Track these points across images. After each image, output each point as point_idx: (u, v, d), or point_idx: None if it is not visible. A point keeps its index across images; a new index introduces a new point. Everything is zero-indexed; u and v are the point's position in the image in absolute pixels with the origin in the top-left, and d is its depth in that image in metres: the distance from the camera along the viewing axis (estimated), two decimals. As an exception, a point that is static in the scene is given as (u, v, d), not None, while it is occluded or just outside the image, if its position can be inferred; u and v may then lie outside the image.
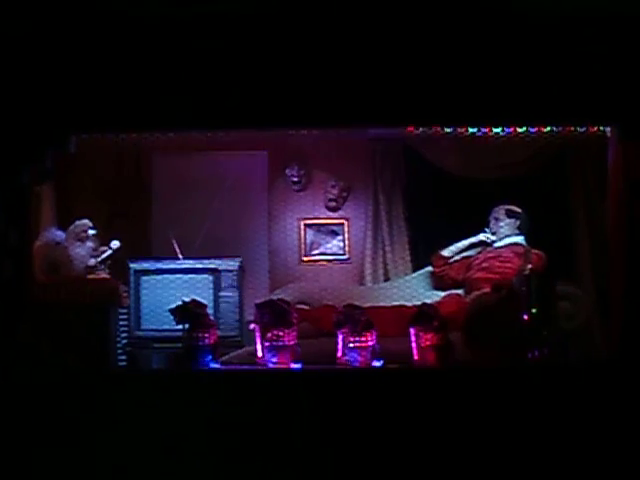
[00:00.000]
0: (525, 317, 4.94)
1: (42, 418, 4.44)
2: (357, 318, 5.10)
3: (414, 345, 5.03)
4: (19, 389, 4.52)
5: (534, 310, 4.93)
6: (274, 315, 5.12)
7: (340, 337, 5.13)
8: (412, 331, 5.06)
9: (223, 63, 4.95)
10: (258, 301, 5.49)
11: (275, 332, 5.05)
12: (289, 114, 5.01)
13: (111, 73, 4.94)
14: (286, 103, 4.97)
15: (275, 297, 5.79)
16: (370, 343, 5.03)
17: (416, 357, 5.01)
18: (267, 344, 5.06)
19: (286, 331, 5.07)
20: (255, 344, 5.18)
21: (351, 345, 5.03)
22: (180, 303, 5.21)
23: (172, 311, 5.17)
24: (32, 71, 4.93)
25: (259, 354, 5.13)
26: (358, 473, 4.39)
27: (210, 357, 5.07)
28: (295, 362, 5.02)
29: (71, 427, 4.45)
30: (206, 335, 5.10)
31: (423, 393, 4.49)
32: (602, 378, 4.56)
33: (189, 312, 5.13)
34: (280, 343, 5.02)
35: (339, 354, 5.11)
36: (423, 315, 5.10)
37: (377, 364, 5.00)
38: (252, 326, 5.21)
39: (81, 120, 5.02)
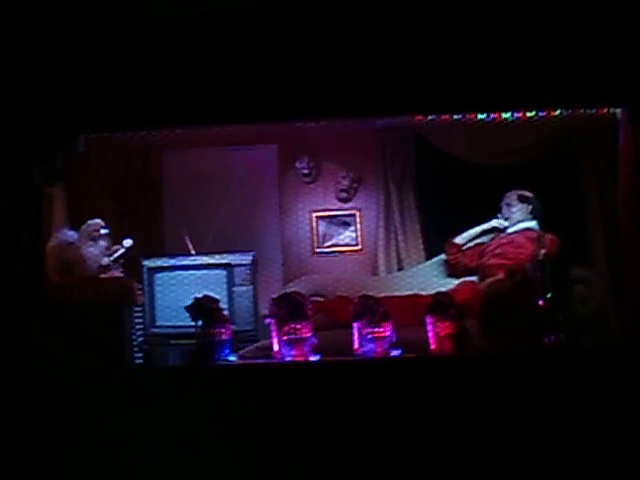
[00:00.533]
0: (540, 302, 4.92)
1: (59, 418, 4.45)
2: (374, 308, 5.09)
3: (431, 334, 5.02)
4: (33, 389, 4.53)
5: (549, 295, 4.91)
6: (290, 308, 5.12)
7: (356, 328, 5.11)
8: (429, 320, 5.05)
9: (229, 58, 4.94)
10: (274, 295, 5.48)
11: (292, 325, 5.04)
12: (297, 106, 5.00)
13: (118, 72, 4.95)
14: (293, 95, 4.96)
15: (289, 290, 5.80)
16: (387, 333, 5.03)
17: (433, 346, 5.00)
18: (285, 338, 5.06)
19: (303, 323, 5.07)
20: (271, 338, 5.17)
21: (369, 336, 5.02)
22: (194, 300, 5.21)
23: (187, 308, 5.18)
24: (39, 71, 4.94)
25: (275, 348, 5.13)
26: (379, 463, 4.38)
27: (227, 351, 5.08)
28: (313, 354, 5.04)
29: (89, 426, 4.47)
30: (222, 330, 5.11)
31: (441, 381, 4.50)
32: (618, 361, 4.56)
33: (204, 308, 5.14)
34: (297, 336, 5.03)
35: (356, 345, 5.10)
36: (439, 304, 5.09)
37: (395, 354, 4.99)
38: (268, 320, 5.20)
39: (90, 119, 5.02)
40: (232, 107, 4.99)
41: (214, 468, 4.40)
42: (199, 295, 5.27)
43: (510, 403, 4.43)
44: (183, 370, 5.21)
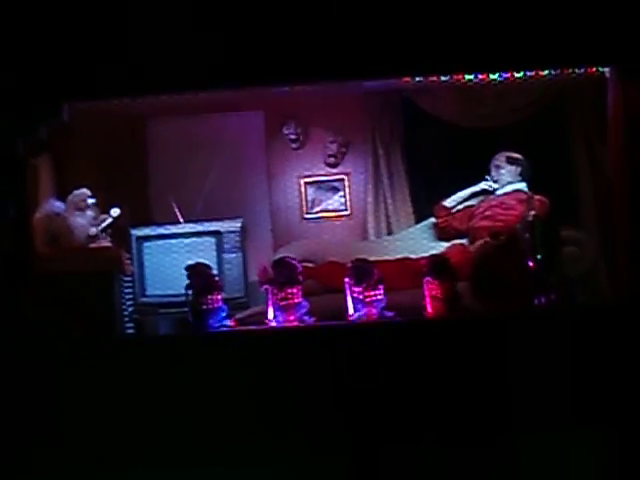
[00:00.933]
0: (530, 264, 4.92)
1: (50, 389, 4.44)
2: (369, 272, 5.07)
3: (428, 297, 4.99)
4: (24, 361, 4.51)
5: (539, 256, 4.90)
6: (287, 273, 5.10)
7: (353, 292, 5.07)
8: (427, 283, 5.02)
9: (212, 21, 4.87)
10: (267, 261, 5.47)
11: (289, 290, 5.02)
12: (282, 70, 4.93)
13: (100, 38, 4.87)
14: (278, 58, 4.90)
15: (281, 255, 5.78)
16: (382, 297, 5.02)
17: (430, 309, 4.98)
18: (282, 303, 5.04)
19: (297, 288, 5.07)
20: (267, 304, 5.12)
21: (367, 299, 5.01)
22: (189, 266, 5.17)
23: (188, 268, 5.14)
24: (19, 40, 4.86)
25: (270, 315, 5.09)
26: (374, 424, 4.40)
27: (221, 318, 5.07)
28: (309, 317, 5.04)
29: (81, 396, 4.45)
30: (217, 297, 5.10)
31: (436, 344, 4.49)
32: (610, 322, 4.56)
33: (200, 274, 5.11)
34: (292, 301, 5.02)
35: (351, 310, 5.07)
36: (438, 266, 5.06)
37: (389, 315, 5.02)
38: (265, 287, 5.16)
39: (73, 88, 4.94)
40: (217, 72, 4.93)
41: (209, 436, 4.40)
42: (191, 262, 5.24)
43: (501, 364, 4.43)
44: (177, 338, 5.18)
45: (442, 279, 4.99)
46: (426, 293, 5.00)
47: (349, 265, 5.15)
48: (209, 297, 5.07)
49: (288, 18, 4.87)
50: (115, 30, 4.88)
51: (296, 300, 5.05)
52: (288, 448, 4.39)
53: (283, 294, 5.06)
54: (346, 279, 5.09)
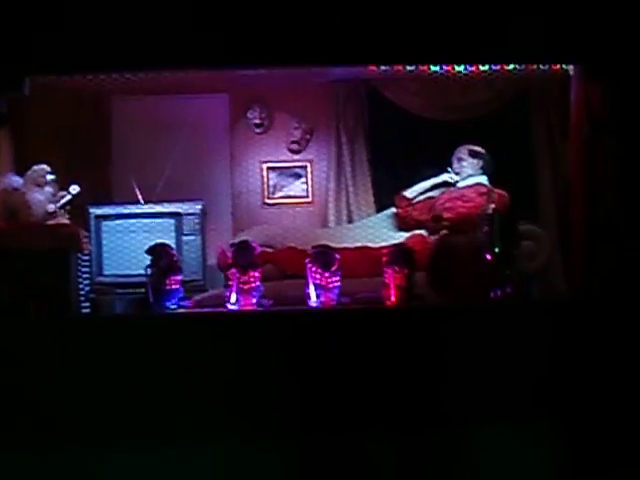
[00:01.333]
0: (488, 257, 4.95)
1: (2, 368, 4.38)
2: (334, 258, 5.06)
3: (392, 285, 4.98)
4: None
5: (497, 250, 4.94)
6: (250, 256, 5.08)
7: (313, 278, 5.07)
8: (389, 271, 5.01)
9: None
10: (227, 243, 5.44)
11: (251, 274, 5.00)
12: (248, 52, 4.90)
13: (63, 11, 4.80)
14: (244, 41, 4.86)
15: (239, 239, 5.76)
16: (339, 283, 5.02)
17: (394, 298, 4.96)
18: (245, 287, 5.00)
19: (258, 271, 5.05)
20: (232, 288, 5.02)
21: (330, 286, 5.00)
22: (152, 246, 5.13)
23: (151, 248, 5.10)
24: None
25: (233, 299, 5.03)
26: (327, 410, 4.41)
27: (177, 300, 5.05)
28: (265, 300, 5.05)
29: (36, 376, 4.40)
30: (178, 278, 5.08)
31: (392, 332, 4.50)
32: (564, 316, 4.60)
33: (161, 255, 5.08)
34: (255, 284, 4.99)
35: (314, 296, 5.03)
36: (402, 255, 5.06)
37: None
38: (233, 270, 5.09)
39: (34, 61, 4.86)
40: (182, 51, 4.87)
41: (161, 417, 4.38)
42: (154, 242, 5.21)
43: (454, 355, 4.46)
44: (133, 318, 5.14)
45: (404, 268, 5.00)
46: (390, 282, 4.98)
47: (313, 251, 5.12)
48: (170, 278, 5.04)
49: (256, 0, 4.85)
50: (79, 5, 4.81)
51: (257, 283, 5.03)
52: (239, 430, 4.39)
53: (246, 277, 5.03)
54: (309, 265, 5.06)
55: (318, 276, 5.03)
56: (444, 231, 5.84)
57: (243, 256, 5.11)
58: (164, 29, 4.85)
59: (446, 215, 6.09)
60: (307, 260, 5.06)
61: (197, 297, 5.57)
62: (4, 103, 5.02)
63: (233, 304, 4.98)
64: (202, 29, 4.84)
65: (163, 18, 4.85)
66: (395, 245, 5.39)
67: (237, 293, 5.02)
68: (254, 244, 5.21)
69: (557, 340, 4.50)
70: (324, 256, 5.08)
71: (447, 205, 6.22)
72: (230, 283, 4.99)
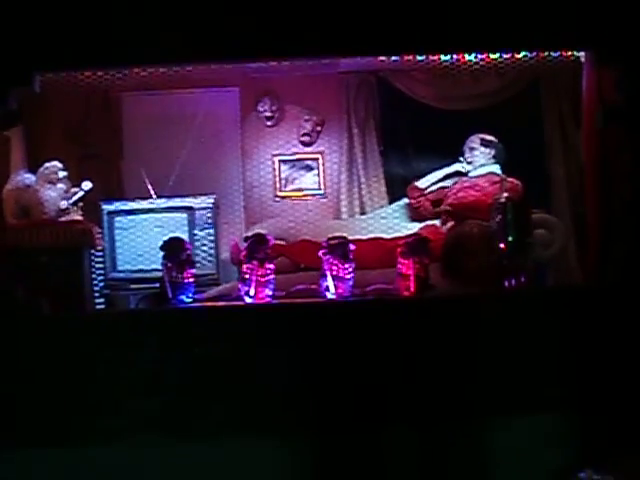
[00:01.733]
0: (502, 246, 4.94)
1: (18, 364, 4.39)
2: (350, 249, 5.04)
3: (412, 275, 4.96)
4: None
5: (510, 238, 4.92)
6: (266, 249, 5.06)
7: (330, 269, 5.02)
8: (410, 262, 4.99)
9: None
10: (246, 235, 5.43)
11: (267, 266, 4.98)
12: (258, 46, 4.89)
13: (73, 8, 4.80)
14: (255, 34, 4.85)
15: (253, 232, 5.75)
16: (352, 274, 5.00)
17: (413, 288, 4.93)
18: (262, 280, 4.97)
19: (274, 263, 5.03)
20: (250, 282, 4.96)
21: (347, 277, 4.98)
22: (167, 240, 5.12)
23: (167, 242, 5.09)
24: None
25: (252, 292, 4.97)
26: (344, 402, 4.40)
27: (191, 293, 5.03)
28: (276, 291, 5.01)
29: (51, 371, 4.41)
30: (192, 272, 5.05)
31: (407, 322, 4.49)
32: (579, 305, 4.57)
33: (176, 249, 5.07)
34: (270, 277, 4.96)
35: (332, 287, 4.99)
36: (420, 245, 5.04)
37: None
38: (250, 264, 5.05)
39: (45, 58, 4.87)
40: (192, 46, 4.87)
41: (175, 411, 4.38)
42: (170, 236, 5.19)
43: (469, 346, 4.45)
44: (149, 313, 5.14)
45: (425, 258, 4.98)
46: (409, 272, 4.93)
47: (330, 242, 5.07)
48: (185, 272, 5.03)
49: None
50: (89, 1, 4.81)
51: (272, 276, 5.01)
52: (255, 425, 4.39)
53: (263, 270, 5.01)
54: (326, 256, 5.01)
55: (335, 267, 5.01)
56: (450, 222, 5.84)
57: (259, 249, 5.09)
58: (173, 23, 4.85)
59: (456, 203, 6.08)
60: (322, 252, 5.04)
61: (211, 291, 5.56)
62: (14, 100, 5.02)
63: (252, 297, 4.97)
64: (211, 23, 4.83)
65: (172, 12, 4.84)
66: (410, 235, 5.37)
67: (250, 285, 5.01)
68: (269, 237, 5.20)
69: (572, 329, 4.48)
70: (342, 247, 5.06)
71: (459, 195, 6.21)
72: (247, 277, 4.96)
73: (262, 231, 5.66)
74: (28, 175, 5.81)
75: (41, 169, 5.85)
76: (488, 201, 5.53)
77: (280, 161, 7.01)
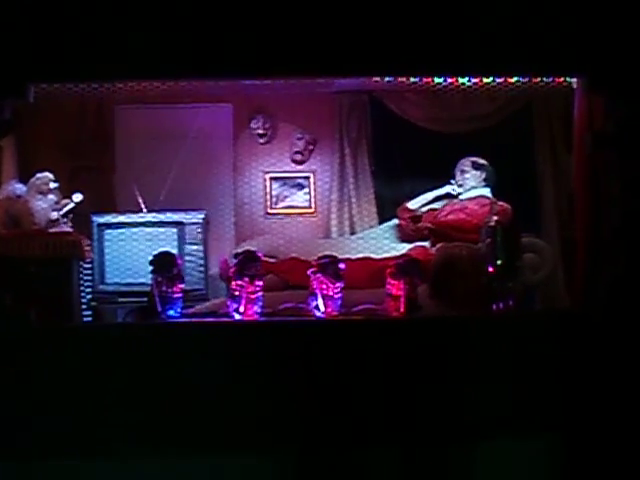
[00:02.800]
0: (490, 269, 4.95)
1: (4, 374, 4.37)
2: (341, 268, 5.04)
3: (403, 296, 4.97)
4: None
5: (499, 262, 4.94)
6: (257, 266, 5.05)
7: (320, 288, 5.02)
8: (400, 283, 4.99)
9: (182, 9, 4.83)
10: (237, 251, 5.42)
11: (257, 283, 4.98)
12: (252, 63, 4.91)
13: (68, 19, 4.80)
14: (249, 52, 4.87)
15: (242, 249, 5.75)
16: (341, 294, 5.00)
17: (402, 309, 4.93)
18: (252, 296, 4.95)
19: (263, 280, 5.02)
20: (241, 299, 4.94)
21: (336, 296, 4.98)
22: (157, 254, 5.11)
23: (157, 256, 5.08)
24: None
25: (242, 309, 4.96)
26: (329, 421, 4.40)
27: (179, 308, 5.02)
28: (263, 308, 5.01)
29: (35, 383, 4.39)
30: (181, 286, 5.04)
31: (395, 343, 4.50)
32: (566, 329, 4.59)
33: (166, 263, 5.06)
34: (259, 294, 4.95)
35: (323, 307, 4.98)
36: (411, 267, 5.05)
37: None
38: (239, 282, 5.04)
39: (38, 69, 4.87)
40: (186, 62, 4.89)
41: (161, 427, 4.37)
42: (155, 252, 5.16)
43: (456, 368, 4.45)
44: (136, 326, 5.12)
45: (417, 279, 4.98)
46: (399, 293, 4.95)
47: (321, 261, 5.08)
48: (173, 287, 5.03)
49: (260, 11, 4.84)
50: (84, 13, 4.81)
51: (261, 293, 5.01)
52: (238, 442, 4.38)
53: (252, 287, 5.00)
54: (316, 275, 5.01)
55: (325, 286, 5.01)
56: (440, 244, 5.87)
57: (250, 266, 5.09)
58: (168, 39, 4.86)
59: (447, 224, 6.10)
60: (312, 270, 5.04)
61: (199, 306, 5.56)
62: (8, 110, 5.02)
63: (241, 314, 4.97)
64: (206, 39, 4.85)
65: (167, 28, 4.85)
66: (400, 256, 5.38)
67: (239, 302, 5.00)
68: (257, 254, 5.20)
69: (558, 353, 4.49)
70: (333, 266, 5.06)
71: (449, 217, 6.23)
72: (236, 293, 4.96)
73: (252, 248, 5.67)
74: (19, 185, 5.83)
75: (32, 179, 5.86)
76: (473, 222, 5.55)
77: (271, 178, 7.02)
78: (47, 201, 5.79)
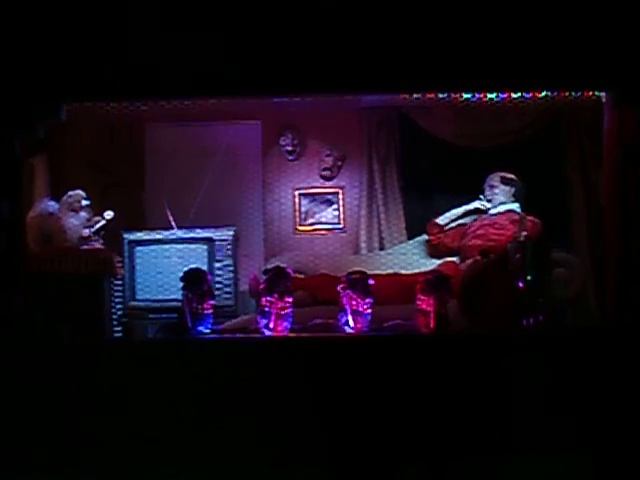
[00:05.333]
0: (520, 284, 4.93)
1: (37, 390, 4.42)
2: (370, 285, 5.05)
3: (432, 312, 4.95)
4: (14, 361, 4.50)
5: (529, 277, 4.91)
6: (287, 283, 5.07)
7: (350, 304, 5.02)
8: (430, 298, 4.98)
9: (213, 28, 4.88)
10: (266, 267, 5.45)
11: (287, 299, 5.00)
12: (281, 81, 4.95)
13: (102, 40, 4.88)
14: (278, 69, 4.91)
15: (271, 265, 5.77)
16: (371, 310, 5.00)
17: (432, 324, 4.90)
18: (282, 312, 4.97)
19: (292, 297, 5.03)
20: (271, 315, 4.97)
21: (366, 312, 4.98)
22: (189, 270, 5.14)
23: (188, 272, 5.12)
24: (20, 40, 4.87)
25: (272, 325, 4.98)
26: (363, 439, 4.39)
27: (210, 325, 5.04)
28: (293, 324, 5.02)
29: (67, 399, 4.43)
30: (212, 303, 5.08)
31: (425, 359, 4.50)
32: (597, 344, 4.56)
33: (197, 280, 5.09)
34: (289, 310, 4.97)
35: (352, 322, 4.99)
36: (441, 282, 5.04)
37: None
38: (268, 298, 5.06)
39: (72, 88, 4.94)
40: (217, 80, 4.94)
41: (195, 443, 4.39)
42: (191, 267, 5.22)
43: (486, 384, 4.44)
44: (167, 343, 5.15)
45: (447, 295, 4.98)
46: (430, 309, 4.92)
47: (350, 277, 5.08)
48: (205, 303, 5.06)
49: (289, 29, 4.88)
50: (117, 33, 4.89)
51: (291, 309, 5.02)
52: (268, 457, 4.38)
53: (282, 303, 5.02)
54: (346, 291, 5.02)
55: (355, 302, 5.02)
56: (475, 258, 5.83)
57: (280, 282, 5.10)
58: (198, 57, 4.92)
59: (478, 242, 6.08)
60: (342, 286, 5.05)
61: (229, 322, 5.58)
62: (42, 129, 5.09)
63: (271, 330, 4.98)
64: (236, 57, 4.89)
65: (197, 46, 4.91)
66: (429, 272, 5.36)
67: (269, 319, 5.02)
68: (289, 270, 5.21)
69: (589, 369, 4.47)
70: (362, 282, 5.07)
71: (479, 232, 6.23)
72: (266, 309, 4.97)
73: (282, 264, 5.69)
74: (51, 203, 5.88)
75: (64, 197, 5.93)
76: (507, 239, 5.53)
77: (300, 195, 7.03)
78: (79, 218, 5.85)
